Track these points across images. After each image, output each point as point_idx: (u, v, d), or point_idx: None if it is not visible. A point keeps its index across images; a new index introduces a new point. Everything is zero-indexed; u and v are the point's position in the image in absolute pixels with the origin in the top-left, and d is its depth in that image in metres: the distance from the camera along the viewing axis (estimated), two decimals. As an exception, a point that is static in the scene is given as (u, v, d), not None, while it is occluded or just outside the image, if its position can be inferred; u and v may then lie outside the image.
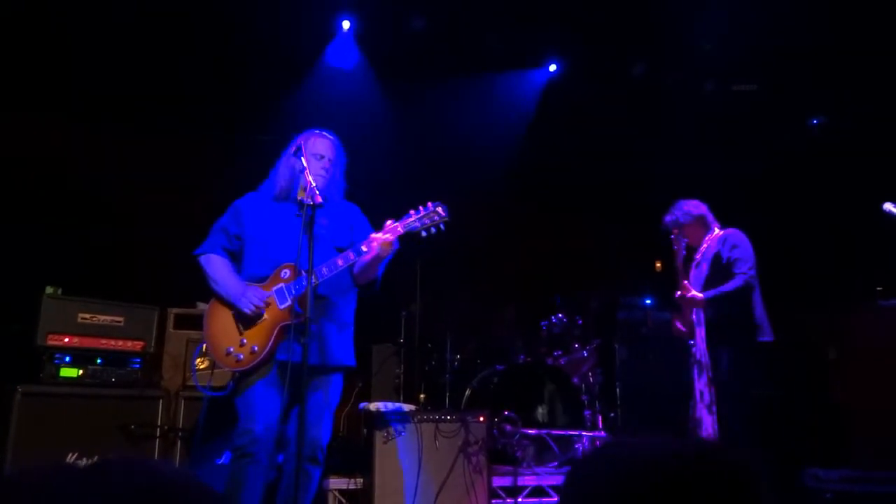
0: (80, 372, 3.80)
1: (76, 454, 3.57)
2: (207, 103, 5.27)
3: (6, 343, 3.94)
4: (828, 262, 6.20)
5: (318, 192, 2.76)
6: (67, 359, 3.78)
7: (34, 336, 3.73)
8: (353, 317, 3.15)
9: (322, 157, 3.12)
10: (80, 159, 5.05)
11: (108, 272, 4.76)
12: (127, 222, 5.10)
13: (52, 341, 3.76)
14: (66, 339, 3.80)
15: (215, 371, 3.23)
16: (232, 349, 2.88)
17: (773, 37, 5.62)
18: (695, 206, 4.24)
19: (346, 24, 5.68)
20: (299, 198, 2.83)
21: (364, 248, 2.91)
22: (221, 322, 2.95)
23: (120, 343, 3.96)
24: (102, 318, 3.93)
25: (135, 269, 4.96)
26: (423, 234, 2.94)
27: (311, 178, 2.79)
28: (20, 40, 4.72)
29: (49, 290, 3.86)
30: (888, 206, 3.71)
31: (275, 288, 2.93)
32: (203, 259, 3.10)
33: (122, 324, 3.99)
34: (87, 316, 3.89)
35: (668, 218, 4.24)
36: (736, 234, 4.13)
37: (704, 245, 4.20)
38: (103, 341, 3.91)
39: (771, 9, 5.23)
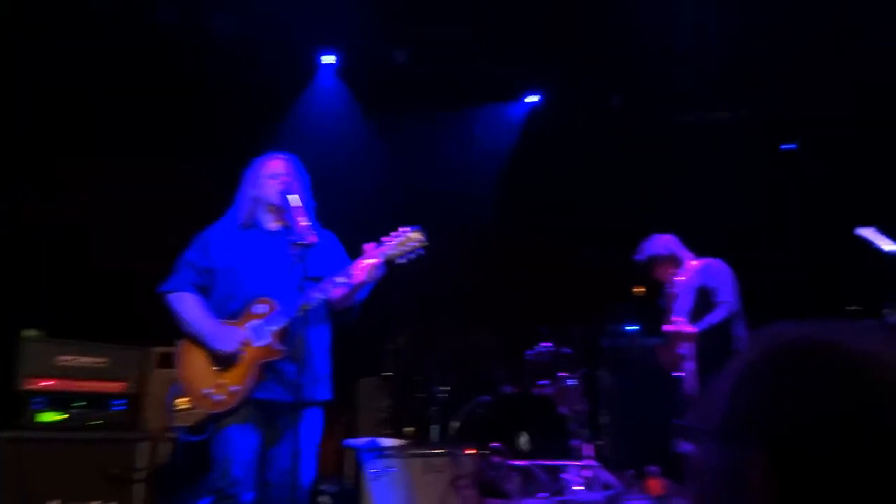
0: (64, 416, 3.71)
1: (58, 503, 3.48)
2: (190, 137, 5.25)
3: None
4: (810, 285, 6.29)
5: (310, 233, 2.72)
6: (46, 402, 3.69)
7: (13, 380, 3.66)
8: (328, 349, 3.01)
9: (276, 175, 2.99)
10: (55, 192, 4.97)
11: (87, 312, 4.67)
12: (105, 259, 5.01)
13: (30, 385, 3.67)
14: (45, 383, 3.71)
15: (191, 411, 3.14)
16: (209, 390, 2.78)
17: (745, 63, 5.77)
18: (663, 245, 4.24)
19: (329, 59, 5.74)
20: (290, 239, 2.75)
21: (344, 278, 2.78)
22: (195, 362, 2.85)
23: (102, 385, 3.88)
24: (83, 359, 3.85)
25: (114, 308, 4.87)
26: (402, 259, 2.80)
27: (302, 220, 2.76)
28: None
29: (26, 332, 3.79)
30: (862, 231, 3.78)
31: (249, 325, 2.81)
32: (173, 298, 2.94)
33: (103, 365, 3.91)
34: (68, 358, 3.81)
35: (638, 256, 4.26)
36: (715, 264, 4.15)
37: (682, 277, 4.22)
38: (85, 384, 3.83)
39: (744, 34, 5.37)
